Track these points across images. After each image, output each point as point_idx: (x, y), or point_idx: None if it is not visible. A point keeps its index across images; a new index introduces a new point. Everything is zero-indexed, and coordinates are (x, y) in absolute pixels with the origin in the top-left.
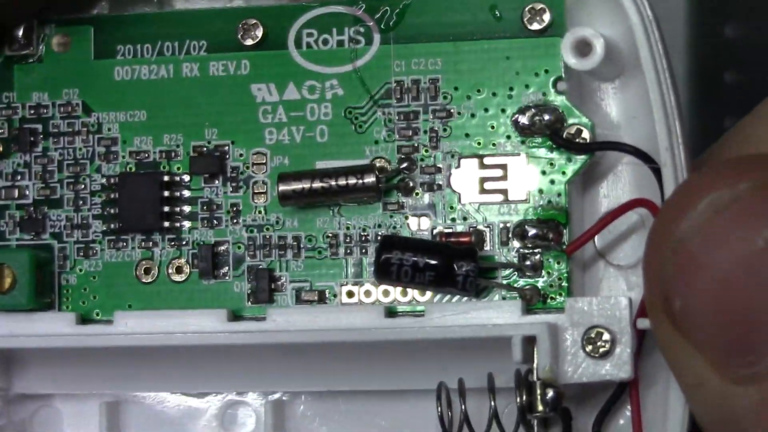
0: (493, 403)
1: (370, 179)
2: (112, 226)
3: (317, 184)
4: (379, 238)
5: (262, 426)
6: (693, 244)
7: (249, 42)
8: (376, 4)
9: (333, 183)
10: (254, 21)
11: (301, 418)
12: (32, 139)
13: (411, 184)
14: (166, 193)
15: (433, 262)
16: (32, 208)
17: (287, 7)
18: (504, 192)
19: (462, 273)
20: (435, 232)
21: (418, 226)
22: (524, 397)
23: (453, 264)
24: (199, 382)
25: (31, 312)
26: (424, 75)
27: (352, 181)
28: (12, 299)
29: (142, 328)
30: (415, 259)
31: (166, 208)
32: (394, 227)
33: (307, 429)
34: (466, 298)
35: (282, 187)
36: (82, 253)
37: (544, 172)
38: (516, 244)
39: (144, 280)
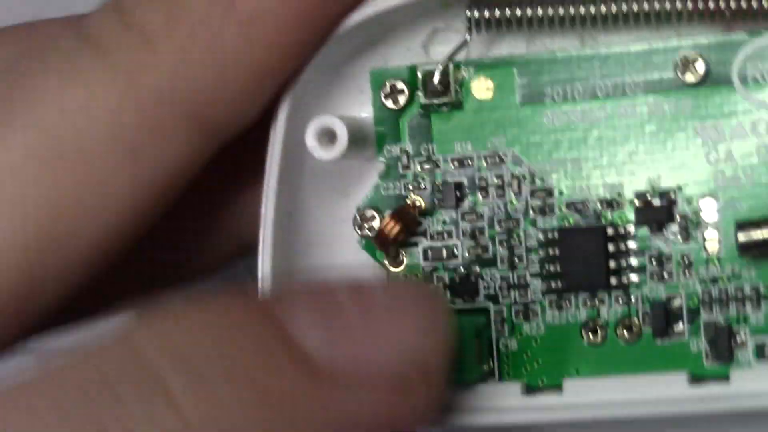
0: None
1: None
2: (552, 284)
3: None
4: None
5: None
6: None
7: (690, 78)
8: None
9: None
10: (695, 56)
11: None
12: (458, 193)
13: None
14: (611, 247)
15: None
16: (462, 269)
17: (730, 41)
18: None
19: None
20: None
21: None
22: None
23: None
24: None
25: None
26: None
27: None
28: (456, 373)
29: (592, 397)
30: None
31: (612, 264)
32: None
33: None
34: None
35: (743, 238)
36: (521, 316)
37: None
38: None
39: (591, 343)
